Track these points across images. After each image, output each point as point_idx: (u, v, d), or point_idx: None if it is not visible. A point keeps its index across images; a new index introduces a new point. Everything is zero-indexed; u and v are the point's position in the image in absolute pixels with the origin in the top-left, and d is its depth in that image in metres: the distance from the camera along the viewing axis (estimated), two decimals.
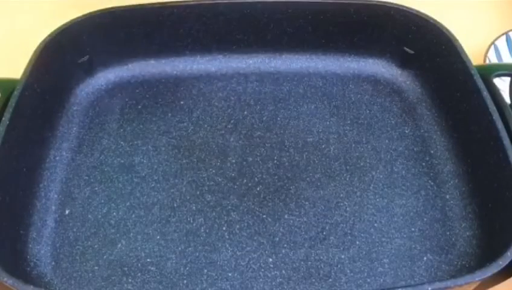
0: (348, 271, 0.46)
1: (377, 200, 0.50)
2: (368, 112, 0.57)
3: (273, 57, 0.61)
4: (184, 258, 0.47)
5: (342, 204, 0.50)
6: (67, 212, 0.49)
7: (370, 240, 0.48)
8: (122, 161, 0.53)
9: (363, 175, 0.52)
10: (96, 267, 0.46)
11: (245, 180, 0.51)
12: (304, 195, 0.50)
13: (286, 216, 0.49)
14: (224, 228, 0.48)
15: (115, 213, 0.49)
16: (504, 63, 0.62)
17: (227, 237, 0.48)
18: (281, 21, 0.58)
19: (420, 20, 0.56)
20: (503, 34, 0.65)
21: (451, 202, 0.50)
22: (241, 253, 0.47)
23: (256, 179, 0.52)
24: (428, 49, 0.57)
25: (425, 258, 0.47)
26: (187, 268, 0.46)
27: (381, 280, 0.45)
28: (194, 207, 0.50)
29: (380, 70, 0.60)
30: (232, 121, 0.56)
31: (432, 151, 0.54)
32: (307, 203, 0.50)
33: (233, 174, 0.52)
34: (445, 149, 0.54)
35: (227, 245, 0.47)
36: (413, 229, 0.48)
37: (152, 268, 0.46)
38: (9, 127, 0.47)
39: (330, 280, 0.46)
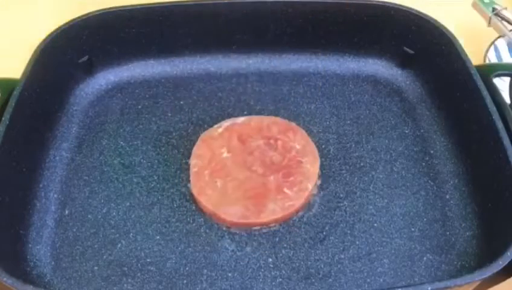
0: (348, 271, 0.46)
1: (377, 200, 0.50)
2: (367, 112, 0.57)
3: (273, 57, 0.61)
4: (184, 258, 0.47)
5: (342, 204, 0.50)
6: (67, 212, 0.49)
7: (370, 240, 0.48)
8: (122, 161, 0.53)
9: (363, 175, 0.52)
10: (96, 267, 0.46)
11: None
12: None
13: None
14: (224, 228, 0.48)
15: (114, 213, 0.49)
16: (504, 63, 0.62)
17: (227, 237, 0.48)
18: (281, 21, 0.58)
19: (420, 20, 0.56)
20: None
21: (451, 202, 0.50)
22: (241, 253, 0.47)
23: None
24: (428, 49, 0.57)
25: (425, 258, 0.47)
26: (187, 268, 0.46)
27: (381, 280, 0.45)
28: (194, 207, 0.50)
29: (380, 70, 0.60)
30: None
31: (432, 151, 0.54)
32: (306, 203, 0.50)
33: None
34: (445, 149, 0.54)
35: (227, 245, 0.47)
36: (413, 229, 0.48)
37: (152, 268, 0.46)
38: (9, 127, 0.47)
39: (330, 280, 0.46)
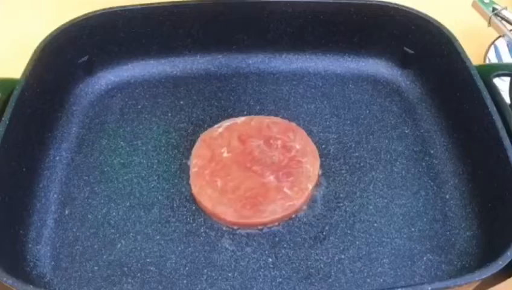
0: (348, 271, 0.46)
1: (377, 200, 0.50)
2: (367, 112, 0.57)
3: (273, 57, 0.61)
4: (184, 258, 0.47)
5: (342, 204, 0.50)
6: (67, 212, 0.49)
7: (370, 240, 0.48)
8: (122, 161, 0.53)
9: (363, 175, 0.52)
10: (96, 267, 0.46)
11: None
12: None
13: None
14: (224, 228, 0.48)
15: (114, 213, 0.49)
16: (504, 63, 0.62)
17: (227, 237, 0.48)
18: (281, 21, 0.58)
19: (420, 20, 0.56)
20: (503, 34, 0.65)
21: (451, 202, 0.50)
22: (241, 253, 0.47)
23: None
24: (428, 49, 0.57)
25: (425, 258, 0.47)
26: (187, 268, 0.46)
27: (381, 280, 0.45)
28: (194, 207, 0.50)
29: (380, 70, 0.60)
30: None
31: (432, 151, 0.54)
32: (306, 203, 0.50)
33: None
34: (445, 149, 0.54)
35: (227, 245, 0.47)
36: (413, 229, 0.48)
37: (152, 268, 0.46)
38: (9, 127, 0.47)
39: (330, 280, 0.46)
